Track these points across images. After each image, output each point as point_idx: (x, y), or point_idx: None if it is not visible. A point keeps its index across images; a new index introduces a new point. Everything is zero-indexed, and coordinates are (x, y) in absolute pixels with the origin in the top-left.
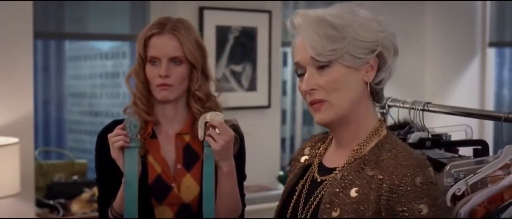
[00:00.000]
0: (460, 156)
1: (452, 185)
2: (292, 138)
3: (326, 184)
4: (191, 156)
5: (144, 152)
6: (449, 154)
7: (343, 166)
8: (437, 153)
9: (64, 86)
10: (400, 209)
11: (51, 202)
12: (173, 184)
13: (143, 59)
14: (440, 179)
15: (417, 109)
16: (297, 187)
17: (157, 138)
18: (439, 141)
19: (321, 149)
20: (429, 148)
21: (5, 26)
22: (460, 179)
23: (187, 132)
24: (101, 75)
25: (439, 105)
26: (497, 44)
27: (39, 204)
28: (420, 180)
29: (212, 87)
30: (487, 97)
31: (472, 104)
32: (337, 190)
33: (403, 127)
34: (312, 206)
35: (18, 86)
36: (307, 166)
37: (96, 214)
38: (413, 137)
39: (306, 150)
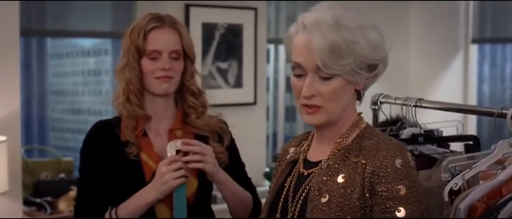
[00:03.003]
0: (451, 151)
1: (449, 180)
2: (275, 135)
3: (313, 175)
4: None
5: (137, 152)
6: (441, 150)
7: (328, 157)
8: (430, 149)
9: (46, 84)
10: (380, 189)
11: (38, 200)
12: None
13: (140, 52)
14: (434, 174)
15: (410, 105)
16: (285, 184)
17: (148, 136)
18: (432, 136)
19: (304, 146)
20: (422, 144)
21: None
22: (457, 174)
23: (178, 127)
24: (83, 73)
25: (432, 101)
26: (480, 40)
27: (26, 202)
28: (400, 163)
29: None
30: (470, 92)
31: (455, 100)
32: (325, 178)
33: (395, 123)
34: (301, 197)
35: (4, 84)
36: (293, 163)
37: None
38: (406, 133)
39: (291, 150)
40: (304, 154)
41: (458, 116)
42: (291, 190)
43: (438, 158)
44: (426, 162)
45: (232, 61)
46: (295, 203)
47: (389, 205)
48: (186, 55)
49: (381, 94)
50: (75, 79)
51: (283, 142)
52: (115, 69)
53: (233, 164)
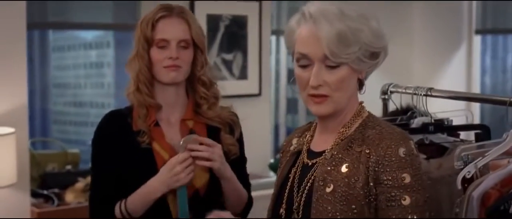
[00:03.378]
0: (461, 140)
1: (462, 168)
2: (277, 127)
3: (318, 165)
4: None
5: (149, 141)
6: (452, 138)
7: (332, 147)
8: (440, 138)
9: (48, 77)
10: (385, 178)
11: (45, 192)
12: None
13: (149, 42)
14: (445, 163)
15: (420, 94)
16: (290, 175)
17: (160, 126)
18: (442, 125)
19: (307, 137)
20: (432, 133)
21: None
22: (469, 162)
23: (190, 118)
24: (85, 66)
25: (442, 90)
26: (483, 31)
27: (33, 194)
28: (404, 151)
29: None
30: (474, 83)
31: (459, 90)
32: (329, 168)
33: (405, 113)
34: (307, 187)
35: (12, 76)
36: (297, 154)
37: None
38: (416, 122)
39: (294, 141)
40: (307, 144)
41: (462, 105)
42: (296, 181)
43: (449, 147)
44: (437, 151)
45: (236, 52)
46: (300, 194)
47: (394, 194)
48: (195, 45)
49: (391, 83)
50: (77, 72)
51: (285, 134)
52: (127, 60)
53: (238, 157)
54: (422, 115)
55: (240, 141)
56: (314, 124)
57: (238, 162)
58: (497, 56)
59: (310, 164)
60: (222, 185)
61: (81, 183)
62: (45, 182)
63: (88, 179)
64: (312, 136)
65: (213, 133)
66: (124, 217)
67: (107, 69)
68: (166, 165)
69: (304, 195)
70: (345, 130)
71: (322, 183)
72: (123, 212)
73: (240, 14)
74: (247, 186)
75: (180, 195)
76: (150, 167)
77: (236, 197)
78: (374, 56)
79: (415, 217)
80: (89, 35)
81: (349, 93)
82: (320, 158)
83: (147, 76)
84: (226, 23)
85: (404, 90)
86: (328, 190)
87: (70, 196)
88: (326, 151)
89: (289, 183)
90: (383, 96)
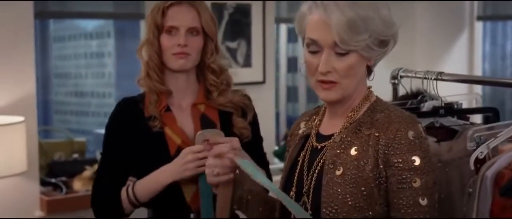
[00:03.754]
0: (471, 123)
1: (474, 149)
2: (277, 115)
3: (327, 148)
4: (208, 125)
5: (161, 126)
6: (462, 122)
7: (340, 131)
8: (450, 121)
9: (49, 67)
10: (395, 160)
11: (53, 180)
12: None
13: (159, 28)
14: (455, 145)
15: (431, 78)
16: (299, 158)
17: (171, 111)
18: (452, 109)
19: (316, 121)
20: (443, 116)
21: (6, 8)
22: (482, 143)
23: (201, 102)
24: (86, 55)
25: (452, 74)
26: (485, 18)
27: (42, 182)
28: (413, 134)
29: None
30: (476, 69)
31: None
32: (338, 151)
33: (416, 97)
34: (316, 170)
35: (20, 65)
36: (306, 137)
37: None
38: (427, 106)
39: (302, 124)
40: (316, 128)
41: (465, 90)
42: (305, 164)
43: (459, 130)
44: (447, 133)
45: (241, 40)
46: (310, 176)
47: (405, 176)
48: (205, 33)
49: (401, 68)
50: (77, 62)
51: (286, 122)
52: (136, 47)
53: (253, 138)
54: (432, 99)
55: (255, 122)
56: (323, 108)
57: (254, 143)
58: (497, 42)
59: (319, 147)
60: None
61: (88, 172)
62: (52, 170)
63: (95, 167)
64: (320, 120)
65: (225, 117)
66: (130, 201)
67: (108, 58)
68: (180, 154)
69: (314, 178)
70: (354, 114)
71: (332, 166)
72: (130, 195)
73: (244, 2)
74: (265, 165)
75: (202, 191)
76: (162, 150)
77: None
78: (384, 44)
79: (425, 199)
80: (89, 25)
81: (358, 80)
82: (329, 141)
83: (157, 62)
84: (230, 11)
85: (414, 75)
86: (338, 173)
87: (78, 184)
88: (335, 134)
89: (298, 167)
90: (393, 81)
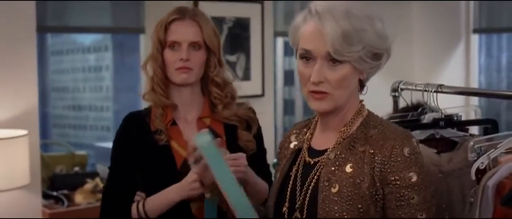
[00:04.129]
0: (471, 135)
1: (475, 160)
2: (275, 128)
3: (321, 164)
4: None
5: (167, 139)
6: (461, 133)
7: (334, 147)
8: (450, 132)
9: (47, 81)
10: (392, 178)
11: (55, 193)
12: None
13: (162, 44)
14: (455, 157)
15: (431, 91)
16: (291, 173)
17: (177, 125)
18: (452, 120)
19: (307, 134)
20: (443, 128)
21: (9, 22)
22: (482, 154)
23: (207, 115)
24: (84, 69)
25: (451, 87)
26: (481, 30)
27: (44, 195)
28: (408, 151)
29: None
30: (472, 81)
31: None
32: (333, 168)
33: (416, 109)
34: (310, 186)
35: (22, 79)
36: (297, 151)
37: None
38: (427, 118)
39: (292, 137)
40: (307, 142)
41: (462, 102)
42: (298, 180)
43: (458, 141)
44: (447, 145)
45: (240, 54)
46: (303, 193)
47: (403, 193)
48: (208, 47)
49: (401, 81)
50: (75, 76)
51: (283, 135)
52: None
53: (257, 150)
54: (432, 111)
55: (259, 135)
56: (314, 121)
57: (258, 155)
58: (492, 54)
59: (312, 162)
60: (246, 189)
61: (90, 184)
62: (54, 183)
63: (97, 180)
64: (312, 134)
65: (230, 130)
66: (140, 217)
67: (106, 72)
68: (187, 175)
69: (308, 195)
70: (347, 129)
71: (327, 184)
72: (140, 212)
73: (243, 16)
74: (269, 177)
75: (206, 205)
76: (168, 164)
77: (259, 195)
78: (377, 57)
79: (424, 215)
80: (87, 39)
81: (349, 92)
82: (323, 157)
83: (161, 77)
84: (229, 25)
85: (414, 87)
86: (333, 190)
87: (79, 197)
88: (329, 150)
89: (291, 182)
90: (393, 94)
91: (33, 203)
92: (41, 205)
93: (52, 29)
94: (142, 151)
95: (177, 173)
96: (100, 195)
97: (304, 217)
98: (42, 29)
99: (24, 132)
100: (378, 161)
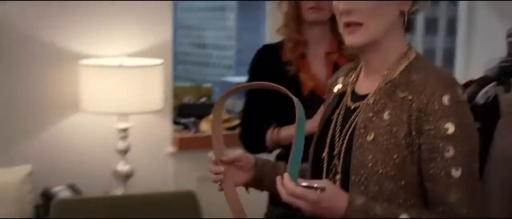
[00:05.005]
0: None
1: None
2: None
3: (360, 110)
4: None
5: (296, 71)
6: None
7: (375, 91)
8: None
9: (175, 19)
10: (428, 127)
11: (183, 120)
12: (325, 96)
13: None
14: None
15: None
16: (333, 117)
17: (307, 59)
18: None
19: (353, 77)
20: None
21: None
22: None
23: (334, 51)
24: (208, 8)
25: None
26: None
27: (173, 122)
28: (449, 99)
29: None
30: None
31: None
32: (370, 115)
33: None
34: (348, 133)
35: (160, 14)
36: (341, 95)
37: (225, 132)
38: None
39: (340, 80)
40: (352, 86)
41: None
42: (338, 124)
43: None
44: None
45: None
46: (341, 139)
47: (437, 144)
48: None
49: None
50: (202, 15)
51: None
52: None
53: None
54: None
55: None
56: (361, 64)
57: None
58: None
59: (352, 107)
60: None
61: None
62: (182, 112)
63: None
64: (357, 78)
65: None
66: (273, 141)
67: (230, 13)
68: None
69: (345, 141)
70: (390, 73)
71: (363, 131)
72: (274, 138)
73: None
74: None
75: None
76: (295, 93)
77: None
78: None
79: (459, 170)
80: None
81: (387, 24)
82: (363, 102)
83: (294, 14)
84: None
85: None
86: (369, 138)
87: (205, 126)
88: (369, 94)
89: (332, 126)
90: (509, 39)
91: (165, 127)
92: (172, 130)
93: None
94: (273, 78)
95: (303, 101)
96: (224, 124)
97: (340, 163)
98: None
99: (159, 61)
100: (414, 108)
